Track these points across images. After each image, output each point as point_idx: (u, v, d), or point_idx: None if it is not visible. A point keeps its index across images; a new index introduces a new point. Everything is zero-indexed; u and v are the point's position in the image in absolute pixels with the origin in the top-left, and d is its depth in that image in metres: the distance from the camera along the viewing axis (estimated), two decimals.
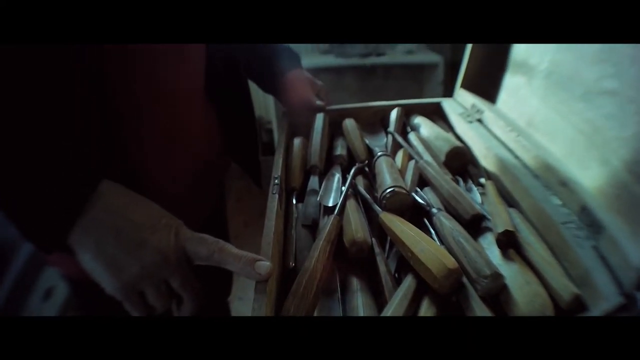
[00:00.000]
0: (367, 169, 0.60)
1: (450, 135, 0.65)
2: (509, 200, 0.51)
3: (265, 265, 0.37)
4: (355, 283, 0.42)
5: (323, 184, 0.56)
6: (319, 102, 0.70)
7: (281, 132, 0.67)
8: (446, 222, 0.44)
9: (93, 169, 0.40)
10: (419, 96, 2.15)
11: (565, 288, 0.35)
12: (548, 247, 0.43)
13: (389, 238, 0.46)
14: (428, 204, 0.48)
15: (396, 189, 0.47)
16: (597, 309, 0.34)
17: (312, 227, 0.51)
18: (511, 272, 0.38)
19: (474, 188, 0.55)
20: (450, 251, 0.41)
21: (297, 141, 0.66)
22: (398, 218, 0.45)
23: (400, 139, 0.64)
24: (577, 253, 0.39)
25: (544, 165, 0.50)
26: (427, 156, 0.59)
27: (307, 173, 0.60)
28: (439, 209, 0.47)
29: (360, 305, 0.39)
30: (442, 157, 0.60)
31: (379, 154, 0.57)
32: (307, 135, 0.67)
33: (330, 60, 2.06)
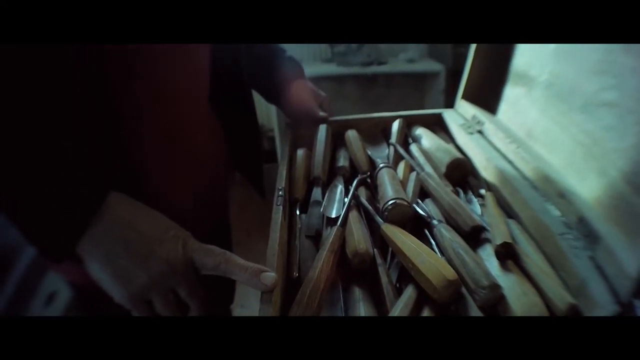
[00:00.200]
0: (369, 180, 0.60)
1: (451, 147, 0.65)
2: (508, 211, 0.52)
3: (270, 276, 0.38)
4: (357, 293, 0.42)
5: (326, 195, 0.57)
6: (321, 113, 0.70)
7: (284, 143, 0.68)
8: (446, 233, 0.45)
9: (99, 177, 0.40)
10: (421, 104, 2.16)
11: (562, 298, 0.36)
12: (546, 257, 0.43)
13: (390, 249, 0.47)
14: (429, 216, 0.49)
15: (398, 201, 0.48)
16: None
17: (316, 238, 0.52)
18: (509, 283, 0.39)
19: (474, 199, 0.56)
20: (450, 262, 0.41)
21: (300, 152, 0.66)
22: (399, 229, 0.46)
23: (401, 151, 0.65)
24: (574, 263, 0.39)
25: (542, 177, 0.51)
26: (428, 167, 0.60)
27: (310, 184, 0.61)
28: (439, 221, 0.48)
29: (363, 314, 0.40)
30: (443, 169, 0.61)
31: (381, 165, 0.58)
32: (310, 146, 0.68)
33: (331, 68, 2.06)
